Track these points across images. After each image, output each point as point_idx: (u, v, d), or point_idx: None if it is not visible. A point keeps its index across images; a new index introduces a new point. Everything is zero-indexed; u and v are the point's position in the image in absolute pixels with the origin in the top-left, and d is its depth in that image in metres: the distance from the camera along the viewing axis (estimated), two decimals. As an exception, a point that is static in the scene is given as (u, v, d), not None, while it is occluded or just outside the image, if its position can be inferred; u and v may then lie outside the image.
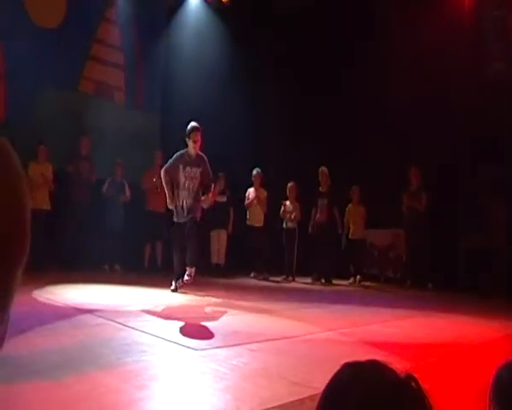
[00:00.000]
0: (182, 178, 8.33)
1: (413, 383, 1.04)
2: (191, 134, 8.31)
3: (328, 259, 12.06)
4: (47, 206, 10.79)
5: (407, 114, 11.60)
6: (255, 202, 12.16)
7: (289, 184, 12.48)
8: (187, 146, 8.42)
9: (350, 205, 12.58)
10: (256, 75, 13.22)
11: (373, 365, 1.07)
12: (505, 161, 10.78)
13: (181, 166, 8.33)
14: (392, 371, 1.05)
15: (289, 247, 12.46)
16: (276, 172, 13.06)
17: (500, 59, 11.54)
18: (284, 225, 12.59)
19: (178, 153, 8.47)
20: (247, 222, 12.28)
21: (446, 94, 11.33)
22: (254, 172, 12.22)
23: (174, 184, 8.45)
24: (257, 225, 12.24)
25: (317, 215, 12.30)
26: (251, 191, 12.29)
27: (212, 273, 11.82)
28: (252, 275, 12.20)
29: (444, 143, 11.30)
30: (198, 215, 8.48)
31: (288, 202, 12.60)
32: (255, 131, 13.21)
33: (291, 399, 3.43)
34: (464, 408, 3.37)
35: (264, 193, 12.31)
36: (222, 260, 12.44)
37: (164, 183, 8.47)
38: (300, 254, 12.45)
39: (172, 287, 8.51)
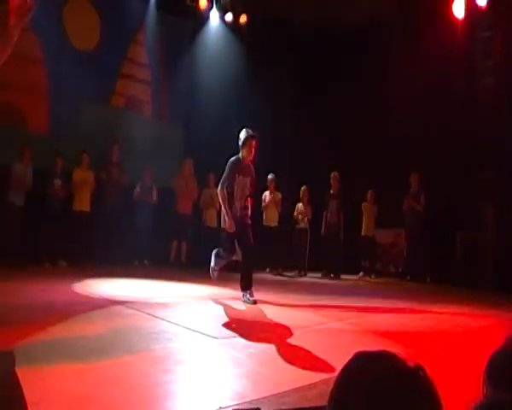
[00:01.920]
0: (235, 187, 7.16)
1: (421, 373, 1.02)
2: (247, 142, 7.14)
3: (337, 256, 12.04)
4: (87, 208, 10.92)
5: (408, 125, 11.63)
6: (271, 204, 12.17)
7: (302, 188, 12.49)
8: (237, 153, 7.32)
9: (364, 203, 12.55)
10: (272, 88, 13.20)
11: (383, 355, 1.05)
12: (496, 165, 10.77)
13: (236, 175, 7.16)
14: (402, 361, 1.03)
15: (302, 245, 12.43)
16: (290, 176, 13.03)
17: (489, 75, 11.55)
18: (297, 226, 12.58)
19: (232, 160, 7.22)
20: (264, 223, 12.25)
21: (442, 106, 11.31)
22: (270, 176, 12.20)
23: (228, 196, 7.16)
24: (272, 224, 12.23)
25: (328, 216, 12.29)
26: (267, 194, 12.28)
27: (231, 269, 11.80)
28: (267, 270, 12.18)
29: (440, 150, 11.32)
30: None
31: (300, 204, 12.58)
32: (272, 140, 13.21)
33: (304, 383, 3.41)
34: (461, 390, 3.33)
35: (278, 195, 12.31)
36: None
37: (221, 200, 7.16)
38: (312, 252, 12.43)
39: (245, 299, 7.03)
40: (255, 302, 6.85)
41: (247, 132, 7.22)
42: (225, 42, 13.76)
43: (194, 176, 12.32)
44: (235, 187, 7.15)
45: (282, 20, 13.07)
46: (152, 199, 11.81)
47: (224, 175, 7.16)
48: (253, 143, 7.21)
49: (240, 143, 7.23)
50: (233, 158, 7.23)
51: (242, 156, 7.23)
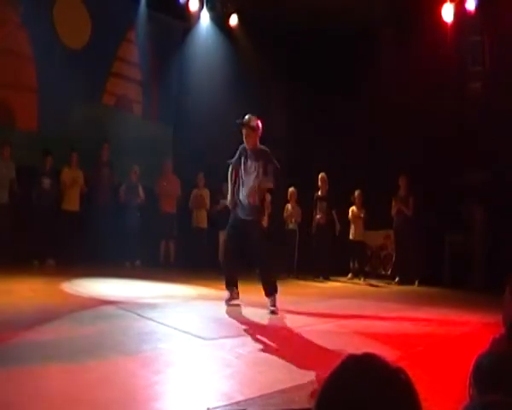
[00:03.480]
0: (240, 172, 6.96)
1: (402, 375, 1.05)
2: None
3: (326, 257, 12.07)
4: (76, 207, 10.88)
5: (396, 127, 11.70)
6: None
7: (290, 190, 12.49)
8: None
9: (353, 207, 12.58)
10: (262, 89, 13.21)
11: (367, 358, 1.08)
12: (484, 168, 10.87)
13: (242, 158, 7.03)
14: (385, 364, 1.06)
15: (291, 246, 12.44)
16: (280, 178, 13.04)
17: (477, 79, 11.65)
18: (286, 227, 12.59)
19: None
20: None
21: (431, 111, 11.39)
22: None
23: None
24: (261, 226, 12.22)
25: (317, 218, 12.30)
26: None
27: (219, 270, 11.80)
28: (257, 272, 12.15)
29: (429, 154, 11.40)
30: (260, 218, 7.10)
31: (289, 206, 12.60)
32: (261, 141, 13.23)
33: (291, 384, 3.44)
34: (447, 391, 3.37)
35: (268, 197, 12.30)
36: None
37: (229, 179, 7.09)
38: (300, 253, 12.45)
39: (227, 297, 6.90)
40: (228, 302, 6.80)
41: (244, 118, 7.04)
42: (216, 42, 13.76)
43: (176, 175, 12.31)
44: (241, 173, 6.94)
45: (272, 21, 13.08)
46: (139, 198, 11.75)
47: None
48: (243, 130, 7.03)
49: None
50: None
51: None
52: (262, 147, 7.09)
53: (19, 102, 10.95)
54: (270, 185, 7.01)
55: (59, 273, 8.94)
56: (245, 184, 6.85)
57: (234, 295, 6.89)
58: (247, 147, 7.00)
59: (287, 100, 13.74)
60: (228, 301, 6.79)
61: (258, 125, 7.08)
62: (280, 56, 13.42)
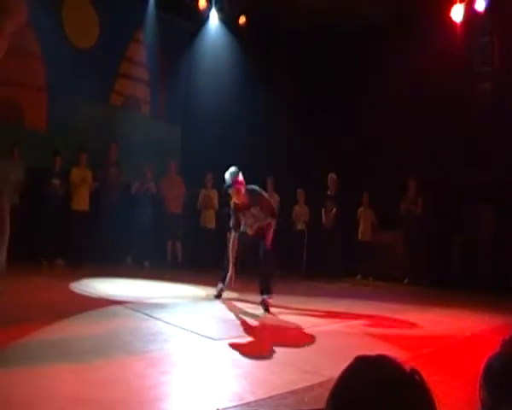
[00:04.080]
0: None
1: (417, 377, 1.04)
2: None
3: (335, 257, 12.05)
4: (86, 207, 10.91)
5: (405, 129, 11.67)
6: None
7: (299, 190, 12.50)
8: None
9: (361, 208, 12.59)
10: (271, 90, 13.21)
11: (381, 359, 1.07)
12: (492, 168, 10.82)
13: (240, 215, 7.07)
14: (399, 366, 1.05)
15: (299, 247, 12.44)
16: (288, 178, 13.03)
17: (487, 80, 11.60)
18: (294, 228, 12.59)
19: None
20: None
21: (440, 110, 11.36)
22: (268, 179, 12.21)
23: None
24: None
25: (326, 218, 12.30)
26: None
27: (228, 270, 11.81)
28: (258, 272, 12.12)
29: (438, 154, 11.37)
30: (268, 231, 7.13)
31: (297, 207, 12.60)
32: (269, 142, 13.23)
33: (301, 385, 3.42)
34: (457, 393, 3.35)
35: (276, 197, 12.31)
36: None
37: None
38: (309, 254, 12.44)
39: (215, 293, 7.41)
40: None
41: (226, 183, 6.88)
42: (224, 43, 13.76)
43: (180, 176, 12.34)
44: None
45: (280, 21, 13.08)
46: (153, 188, 11.74)
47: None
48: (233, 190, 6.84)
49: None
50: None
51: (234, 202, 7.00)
52: (249, 190, 6.98)
53: (27, 102, 10.99)
54: (269, 220, 7.11)
55: (67, 273, 8.97)
56: (245, 221, 7.08)
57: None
58: (237, 202, 6.95)
59: (296, 100, 13.75)
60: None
61: (239, 181, 6.84)
62: (287, 56, 13.44)
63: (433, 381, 1.21)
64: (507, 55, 11.15)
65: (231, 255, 7.08)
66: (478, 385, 1.54)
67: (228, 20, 13.68)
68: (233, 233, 7.10)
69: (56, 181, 10.49)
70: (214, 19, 13.77)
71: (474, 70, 11.77)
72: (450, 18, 11.61)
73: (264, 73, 13.12)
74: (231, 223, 7.10)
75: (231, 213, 7.09)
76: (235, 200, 6.92)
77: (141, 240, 11.34)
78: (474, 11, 11.43)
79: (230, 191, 6.84)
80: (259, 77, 13.03)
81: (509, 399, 1.41)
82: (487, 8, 11.30)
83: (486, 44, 11.56)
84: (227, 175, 6.82)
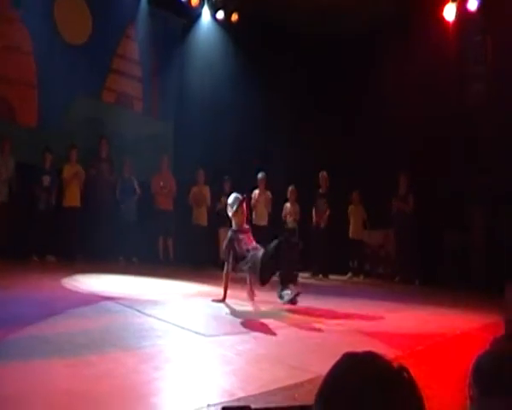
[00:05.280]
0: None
1: (405, 374, 1.05)
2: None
3: (325, 255, 12.08)
4: (77, 203, 10.91)
5: (397, 127, 11.74)
6: (260, 203, 12.17)
7: (290, 188, 12.48)
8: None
9: (351, 206, 12.62)
10: (263, 86, 13.23)
11: (369, 356, 1.08)
12: (484, 167, 10.88)
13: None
14: (387, 362, 1.06)
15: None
16: (279, 176, 13.06)
17: (480, 80, 11.68)
18: (285, 225, 12.60)
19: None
20: (253, 221, 12.24)
21: (432, 109, 11.42)
22: (260, 175, 12.22)
23: None
24: (262, 224, 12.21)
25: (316, 216, 12.33)
26: (256, 193, 12.28)
27: (219, 267, 11.82)
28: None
29: (430, 153, 11.42)
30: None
31: (288, 204, 12.61)
32: (261, 139, 13.25)
33: (291, 382, 3.45)
34: (447, 391, 3.39)
35: (268, 195, 12.34)
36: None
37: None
38: (300, 251, 12.43)
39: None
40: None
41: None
42: (217, 39, 13.76)
43: (171, 173, 12.36)
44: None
45: (273, 18, 13.09)
46: (135, 193, 11.74)
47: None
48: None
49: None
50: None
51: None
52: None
53: (18, 98, 10.96)
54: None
55: (59, 269, 8.96)
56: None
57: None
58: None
59: (287, 98, 13.76)
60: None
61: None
62: (280, 54, 13.45)
63: (423, 379, 1.23)
64: (499, 54, 11.21)
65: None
66: (467, 383, 1.56)
67: (220, 17, 13.66)
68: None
69: (46, 178, 10.46)
70: (206, 15, 13.76)
71: (467, 69, 11.83)
72: (443, 17, 11.67)
73: (256, 69, 13.13)
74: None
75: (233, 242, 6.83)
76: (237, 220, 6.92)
77: (129, 237, 11.31)
78: (467, 10, 11.50)
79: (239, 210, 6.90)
80: (252, 73, 13.05)
81: (498, 396, 1.43)
82: (479, 7, 11.37)
83: (479, 43, 11.62)
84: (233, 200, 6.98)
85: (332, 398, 1.04)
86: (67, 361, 3.54)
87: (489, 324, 6.39)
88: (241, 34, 13.37)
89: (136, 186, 11.76)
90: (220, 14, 13.68)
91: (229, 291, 7.24)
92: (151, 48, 13.27)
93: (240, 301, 6.92)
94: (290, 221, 12.54)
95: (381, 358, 1.08)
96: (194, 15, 13.66)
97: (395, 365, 1.06)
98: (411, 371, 1.09)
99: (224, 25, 13.74)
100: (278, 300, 6.88)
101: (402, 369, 1.05)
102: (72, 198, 10.87)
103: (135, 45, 13.07)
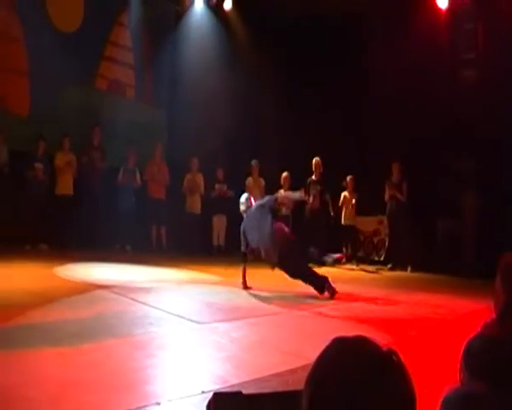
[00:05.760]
0: None
1: (394, 357, 1.05)
2: None
3: (320, 242, 12.06)
4: (70, 191, 10.88)
5: (390, 114, 11.71)
6: (254, 190, 12.15)
7: (283, 175, 12.43)
8: None
9: (345, 192, 12.59)
10: (256, 73, 13.19)
11: (359, 340, 1.08)
12: (477, 154, 10.90)
13: None
14: (376, 346, 1.06)
15: (294, 254, 12.38)
16: (272, 162, 13.04)
17: (471, 66, 11.67)
18: (279, 213, 12.56)
19: None
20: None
21: (424, 98, 11.40)
22: (253, 162, 12.20)
23: None
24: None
25: (310, 202, 12.31)
26: (250, 180, 12.26)
27: (213, 254, 11.85)
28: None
29: (424, 141, 11.41)
30: None
31: (282, 191, 12.56)
32: (254, 126, 13.21)
33: (284, 368, 3.47)
34: (439, 375, 3.41)
35: (262, 182, 12.32)
36: (222, 242, 12.45)
37: None
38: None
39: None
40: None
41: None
42: (210, 26, 13.69)
43: (164, 162, 12.34)
44: None
45: (266, 6, 13.02)
46: (136, 182, 11.75)
47: None
48: None
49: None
50: None
51: None
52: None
53: (10, 86, 10.86)
54: None
55: (52, 258, 8.94)
56: None
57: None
58: None
59: (279, 85, 13.70)
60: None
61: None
62: (273, 42, 13.38)
63: (415, 363, 1.24)
64: (491, 42, 11.20)
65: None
66: (458, 366, 1.56)
67: (213, 4, 13.59)
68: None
69: (39, 165, 10.41)
70: (199, 2, 13.68)
71: (459, 56, 11.82)
72: (436, 4, 11.65)
73: (250, 56, 13.09)
74: None
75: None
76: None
77: (124, 225, 11.30)
78: (459, -2, 11.49)
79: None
80: (245, 60, 13.01)
81: (487, 380, 1.44)
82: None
83: (471, 31, 11.61)
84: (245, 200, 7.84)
85: (322, 382, 1.04)
86: (61, 350, 3.55)
87: (480, 309, 6.43)
88: (234, 21, 13.32)
89: (138, 178, 11.74)
90: (213, 2, 13.60)
91: (221, 278, 7.26)
92: (144, 35, 13.18)
93: (234, 288, 6.93)
94: (284, 208, 12.52)
95: (371, 342, 1.08)
96: (188, 2, 13.57)
97: (385, 349, 1.06)
98: (404, 355, 1.09)
99: (217, 11, 13.67)
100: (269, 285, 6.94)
101: (391, 352, 1.05)
102: (65, 186, 10.83)
103: (127, 32, 12.96)
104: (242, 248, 7.28)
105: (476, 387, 1.40)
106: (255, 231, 7.19)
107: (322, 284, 6.85)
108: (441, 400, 1.40)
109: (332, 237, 12.28)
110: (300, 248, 7.53)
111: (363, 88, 12.21)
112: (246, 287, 7.00)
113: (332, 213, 12.19)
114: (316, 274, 7.09)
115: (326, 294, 6.79)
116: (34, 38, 10.86)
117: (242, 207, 7.67)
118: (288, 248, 7.14)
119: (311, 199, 12.29)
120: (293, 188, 12.46)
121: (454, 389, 1.41)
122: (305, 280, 6.93)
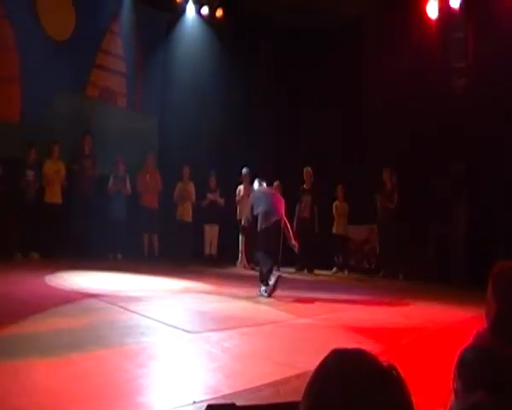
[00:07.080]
0: None
1: (394, 372, 1.04)
2: None
3: (310, 251, 12.06)
4: (59, 200, 10.80)
5: (381, 122, 11.79)
6: (245, 198, 12.15)
7: (275, 183, 12.43)
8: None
9: (336, 202, 12.62)
10: (247, 82, 13.22)
11: (358, 353, 1.07)
12: (467, 161, 10.95)
13: None
14: (376, 360, 1.05)
15: (275, 240, 12.40)
16: (264, 171, 13.03)
17: (462, 75, 11.76)
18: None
19: None
20: (238, 217, 12.23)
21: (416, 106, 11.47)
22: (244, 171, 12.18)
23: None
24: (246, 219, 12.19)
25: (301, 211, 12.33)
26: (241, 188, 12.26)
27: (204, 263, 11.82)
28: (241, 265, 12.10)
29: (414, 148, 11.48)
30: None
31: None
32: (246, 134, 13.22)
33: (277, 378, 3.45)
34: (432, 384, 3.41)
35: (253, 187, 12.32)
36: (214, 251, 12.43)
37: None
38: (285, 247, 12.44)
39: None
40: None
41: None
42: (201, 35, 13.72)
43: (157, 170, 12.30)
44: None
45: (257, 14, 13.07)
46: (126, 190, 11.72)
47: None
48: None
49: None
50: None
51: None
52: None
53: (1, 93, 10.82)
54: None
55: (42, 266, 8.88)
56: None
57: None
58: None
59: (272, 93, 13.74)
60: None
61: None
62: (265, 48, 13.45)
63: (407, 373, 1.23)
64: (481, 51, 11.29)
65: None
66: (451, 376, 1.56)
67: (205, 12, 13.62)
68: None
69: (31, 173, 10.37)
70: (191, 10, 13.71)
71: (449, 65, 11.91)
72: (426, 14, 11.73)
73: (240, 65, 13.11)
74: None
75: None
76: None
77: (115, 233, 11.27)
78: (449, 7, 11.57)
79: None
80: (236, 69, 13.02)
81: (481, 390, 1.44)
82: (462, 5, 11.45)
83: (461, 40, 11.70)
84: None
85: (321, 395, 1.03)
86: (50, 360, 3.51)
87: (472, 318, 6.44)
88: (226, 30, 13.34)
89: (128, 186, 11.71)
90: (205, 10, 13.64)
91: (214, 287, 7.24)
92: (135, 43, 13.19)
93: (227, 297, 6.92)
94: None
95: (370, 355, 1.06)
96: (179, 11, 13.60)
97: (385, 363, 1.06)
98: (396, 365, 1.08)
99: (209, 20, 13.70)
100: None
101: (391, 367, 1.04)
102: (54, 195, 10.74)
103: (119, 40, 12.96)
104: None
105: (475, 398, 1.39)
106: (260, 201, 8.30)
107: (267, 278, 7.38)
108: None
109: (323, 246, 12.31)
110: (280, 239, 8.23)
111: (355, 97, 12.29)
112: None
113: (316, 228, 12.27)
114: (272, 269, 7.72)
115: (262, 287, 7.29)
116: (26, 46, 10.82)
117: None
118: (275, 227, 8.11)
119: (301, 208, 12.35)
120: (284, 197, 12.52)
121: (457, 401, 1.41)
122: (261, 264, 7.77)
